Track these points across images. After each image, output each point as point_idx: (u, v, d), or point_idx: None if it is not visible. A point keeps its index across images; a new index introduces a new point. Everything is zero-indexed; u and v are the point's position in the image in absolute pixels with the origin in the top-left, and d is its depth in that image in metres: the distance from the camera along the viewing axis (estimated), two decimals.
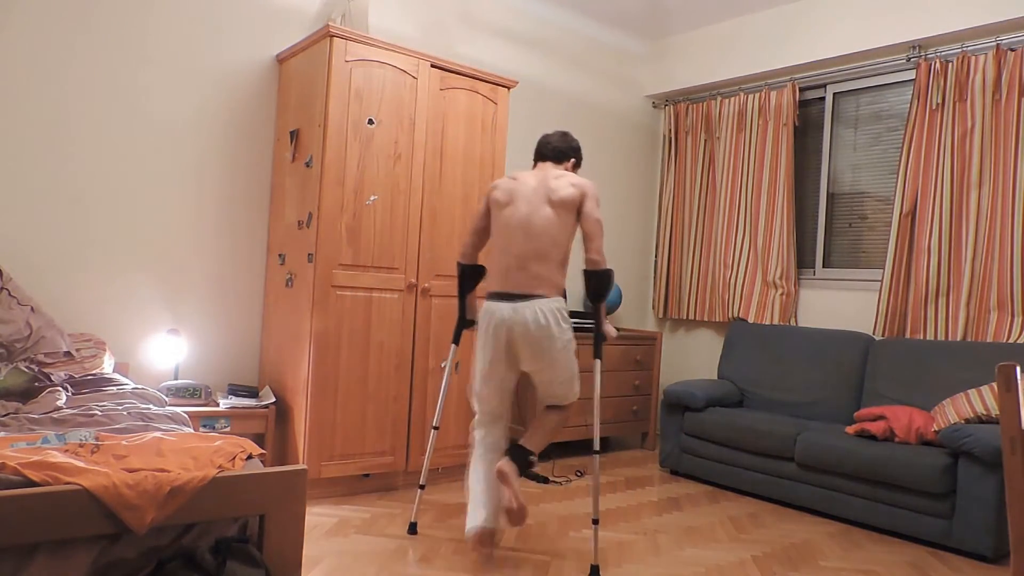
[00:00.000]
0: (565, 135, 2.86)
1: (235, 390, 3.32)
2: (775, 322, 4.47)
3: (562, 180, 2.69)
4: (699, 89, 5.04)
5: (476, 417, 2.81)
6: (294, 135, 3.40)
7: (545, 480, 3.80)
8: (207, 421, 3.09)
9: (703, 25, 4.94)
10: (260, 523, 1.74)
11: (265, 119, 3.61)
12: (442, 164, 3.55)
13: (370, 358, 3.32)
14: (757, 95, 4.68)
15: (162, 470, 1.61)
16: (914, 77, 4.01)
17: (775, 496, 3.61)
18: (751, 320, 4.60)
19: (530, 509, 3.31)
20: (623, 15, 4.86)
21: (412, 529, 2.88)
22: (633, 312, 5.34)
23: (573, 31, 4.87)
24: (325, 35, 3.17)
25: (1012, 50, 3.63)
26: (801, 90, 4.57)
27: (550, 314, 2.61)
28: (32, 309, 2.76)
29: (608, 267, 2.65)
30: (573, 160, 2.87)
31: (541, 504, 3.39)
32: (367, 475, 3.38)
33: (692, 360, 5.02)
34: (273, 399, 3.32)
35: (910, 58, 3.98)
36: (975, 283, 3.71)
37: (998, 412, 2.42)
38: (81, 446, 1.73)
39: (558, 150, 2.83)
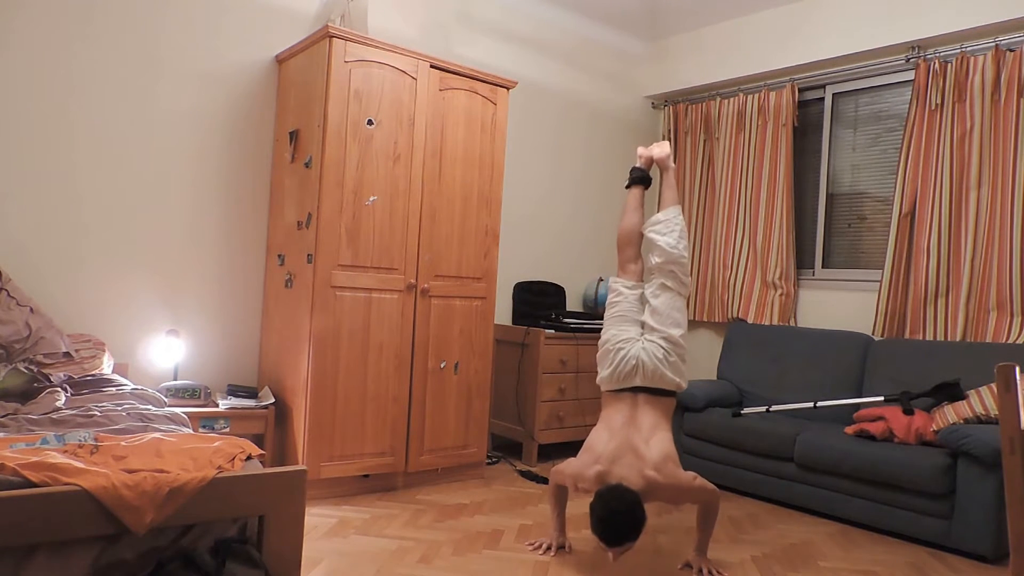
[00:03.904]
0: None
1: (234, 391, 3.32)
2: (774, 322, 4.47)
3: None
4: (698, 89, 5.04)
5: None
6: (293, 135, 3.40)
7: (545, 481, 3.80)
8: (206, 422, 3.09)
9: (703, 25, 4.94)
10: (259, 524, 1.74)
11: (264, 119, 3.61)
12: (441, 164, 3.55)
13: (369, 358, 3.32)
14: (756, 95, 4.68)
15: (161, 471, 1.61)
16: (913, 78, 4.02)
17: (775, 496, 3.60)
18: (750, 320, 4.60)
19: (530, 509, 3.31)
20: (622, 15, 4.86)
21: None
22: None
23: (572, 31, 4.87)
24: (324, 36, 3.17)
25: (1011, 50, 3.63)
26: (800, 90, 4.57)
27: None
28: (31, 310, 2.76)
29: None
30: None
31: (541, 504, 3.39)
32: (367, 476, 3.38)
33: (691, 360, 5.02)
34: (272, 400, 3.32)
35: (909, 59, 3.99)
36: (974, 283, 3.71)
37: (997, 412, 2.42)
38: (80, 447, 1.73)
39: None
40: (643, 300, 2.90)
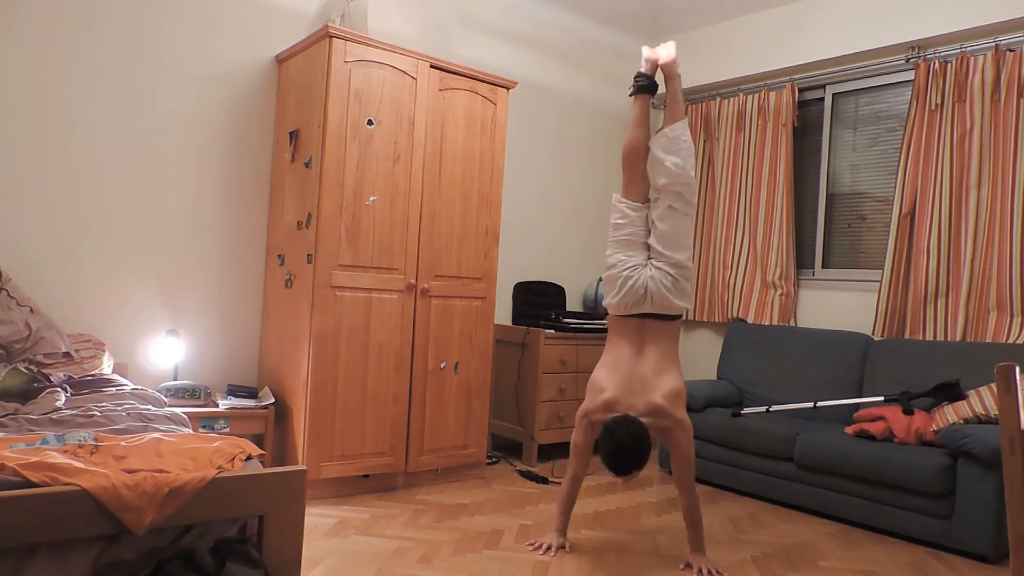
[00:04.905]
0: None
1: (234, 391, 3.32)
2: (774, 322, 4.47)
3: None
4: (698, 89, 5.04)
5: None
6: (293, 135, 3.40)
7: (545, 481, 3.80)
8: (206, 422, 3.09)
9: (703, 25, 4.94)
10: (259, 524, 1.74)
11: (264, 119, 3.61)
12: (441, 165, 3.55)
13: (369, 358, 3.32)
14: (756, 95, 4.68)
15: (161, 471, 1.61)
16: (913, 78, 4.01)
17: (774, 496, 3.60)
18: (750, 320, 4.60)
19: (530, 509, 3.31)
20: (622, 15, 4.86)
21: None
22: None
23: (572, 31, 4.87)
24: (324, 36, 3.17)
25: (1011, 50, 3.63)
26: (800, 90, 4.57)
27: None
28: (31, 310, 2.76)
29: None
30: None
31: (541, 504, 3.39)
32: (366, 476, 3.38)
33: (691, 361, 5.02)
34: (272, 400, 3.32)
35: (909, 59, 3.98)
36: (974, 283, 3.71)
37: (997, 412, 2.42)
38: (80, 447, 1.73)
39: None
40: (648, 221, 2.83)
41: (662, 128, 2.84)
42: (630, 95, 2.91)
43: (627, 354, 2.74)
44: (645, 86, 2.89)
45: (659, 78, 2.96)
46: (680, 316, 2.81)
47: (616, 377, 2.70)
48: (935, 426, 3.18)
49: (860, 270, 4.32)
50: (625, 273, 2.75)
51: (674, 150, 2.76)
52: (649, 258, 2.79)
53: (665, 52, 2.88)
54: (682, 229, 2.76)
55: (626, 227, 2.83)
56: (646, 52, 2.92)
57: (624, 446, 2.48)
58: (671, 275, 2.73)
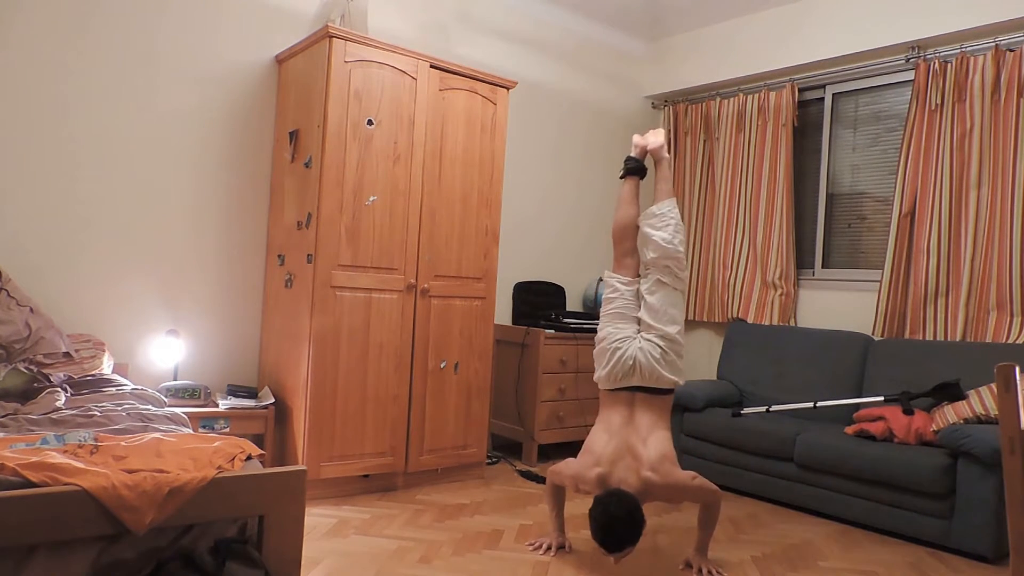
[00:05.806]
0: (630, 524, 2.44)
1: (234, 391, 3.32)
2: (774, 322, 4.47)
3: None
4: (698, 89, 5.04)
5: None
6: (293, 136, 3.40)
7: (545, 481, 3.80)
8: (206, 422, 3.09)
9: (703, 25, 4.94)
10: (259, 524, 1.74)
11: (264, 119, 3.61)
12: (441, 165, 3.55)
13: (369, 358, 3.32)
14: (756, 95, 4.68)
15: (161, 471, 1.61)
16: (913, 78, 4.02)
17: (774, 496, 3.60)
18: (750, 320, 4.60)
19: (530, 509, 3.31)
20: (623, 15, 4.86)
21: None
22: None
23: (572, 32, 4.87)
24: (324, 36, 3.17)
25: (1011, 50, 3.63)
26: (800, 90, 4.57)
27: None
28: (31, 310, 2.76)
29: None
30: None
31: (541, 504, 3.39)
32: (366, 476, 3.38)
33: (691, 361, 5.02)
34: (272, 400, 3.32)
35: (909, 59, 3.99)
36: (974, 283, 3.71)
37: (997, 412, 2.43)
38: (80, 447, 1.73)
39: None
40: (639, 296, 2.87)
41: (651, 207, 2.93)
42: (620, 177, 3.09)
43: (617, 426, 2.71)
44: (635, 169, 3.06)
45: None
46: (671, 392, 2.80)
47: (609, 450, 2.65)
48: (935, 426, 3.18)
49: (860, 270, 4.32)
50: (614, 345, 2.77)
51: (662, 226, 2.86)
52: (639, 331, 2.81)
53: (654, 140, 3.07)
54: (671, 302, 2.81)
55: (616, 300, 2.88)
56: (636, 139, 3.13)
57: (617, 519, 2.38)
58: (660, 347, 2.73)
